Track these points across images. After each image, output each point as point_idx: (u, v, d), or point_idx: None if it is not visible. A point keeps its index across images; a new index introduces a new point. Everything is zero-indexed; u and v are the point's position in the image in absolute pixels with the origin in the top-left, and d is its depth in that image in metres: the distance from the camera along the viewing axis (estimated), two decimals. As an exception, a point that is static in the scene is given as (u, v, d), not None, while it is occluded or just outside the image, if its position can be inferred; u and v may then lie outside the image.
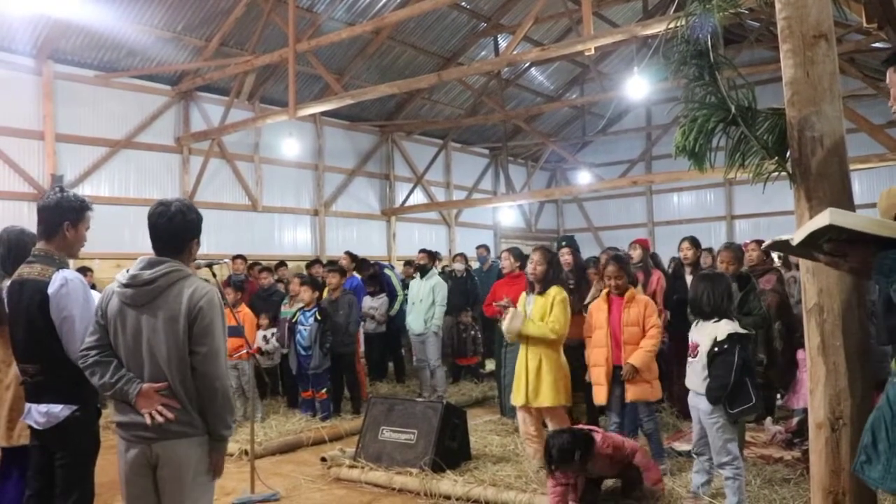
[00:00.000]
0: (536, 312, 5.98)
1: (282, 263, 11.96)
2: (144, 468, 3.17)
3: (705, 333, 4.87)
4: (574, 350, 6.38)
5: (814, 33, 2.99)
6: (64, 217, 3.71)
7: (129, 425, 3.17)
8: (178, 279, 3.18)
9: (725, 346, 4.71)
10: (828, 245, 2.10)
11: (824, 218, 2.01)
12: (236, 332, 8.05)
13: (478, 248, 13.10)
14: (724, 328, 4.77)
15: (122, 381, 3.13)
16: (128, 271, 3.24)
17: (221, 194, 13.17)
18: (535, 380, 5.83)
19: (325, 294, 9.16)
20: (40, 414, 3.60)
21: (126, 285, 3.19)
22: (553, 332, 5.85)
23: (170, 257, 3.23)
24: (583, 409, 6.95)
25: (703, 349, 4.81)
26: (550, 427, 5.87)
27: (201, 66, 12.06)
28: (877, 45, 11.66)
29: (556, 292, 5.98)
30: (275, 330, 9.19)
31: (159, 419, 3.06)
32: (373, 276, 10.77)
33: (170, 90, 12.37)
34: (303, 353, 8.46)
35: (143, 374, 3.15)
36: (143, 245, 3.46)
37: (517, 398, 6.01)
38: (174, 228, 3.23)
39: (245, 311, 8.72)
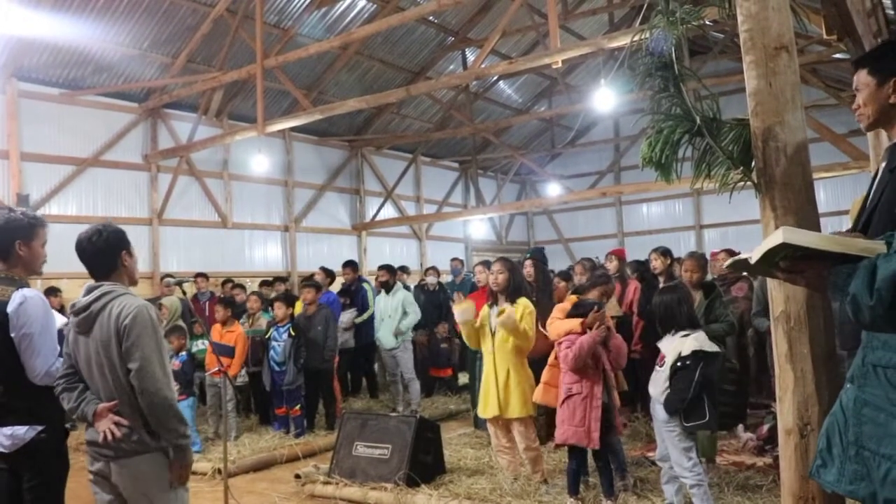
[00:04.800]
0: None
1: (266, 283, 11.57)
2: (107, 485, 3.30)
3: (673, 346, 4.89)
4: (533, 364, 6.15)
5: (775, 45, 3.05)
6: (14, 236, 3.66)
7: (92, 443, 3.31)
8: (109, 300, 3.28)
9: (688, 363, 4.74)
10: (784, 263, 2.14)
11: (777, 237, 2.05)
12: (226, 350, 8.02)
13: (452, 260, 13.20)
14: (689, 344, 4.79)
15: (82, 403, 3.28)
16: None
17: (191, 211, 13.05)
18: (504, 391, 5.79)
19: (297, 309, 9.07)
20: (5, 437, 3.53)
21: (72, 313, 3.34)
22: (526, 336, 5.73)
23: (104, 279, 3.37)
24: (541, 422, 6.85)
25: (669, 361, 4.84)
26: (518, 438, 5.87)
27: (168, 82, 11.98)
28: (837, 56, 11.89)
29: (525, 303, 5.88)
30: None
31: (110, 437, 3.18)
32: (346, 289, 10.70)
33: (137, 107, 12.27)
34: (276, 369, 8.36)
35: (101, 396, 3.30)
36: (111, 265, 3.44)
37: (487, 410, 5.93)
38: (92, 252, 3.38)
39: (238, 330, 8.54)
